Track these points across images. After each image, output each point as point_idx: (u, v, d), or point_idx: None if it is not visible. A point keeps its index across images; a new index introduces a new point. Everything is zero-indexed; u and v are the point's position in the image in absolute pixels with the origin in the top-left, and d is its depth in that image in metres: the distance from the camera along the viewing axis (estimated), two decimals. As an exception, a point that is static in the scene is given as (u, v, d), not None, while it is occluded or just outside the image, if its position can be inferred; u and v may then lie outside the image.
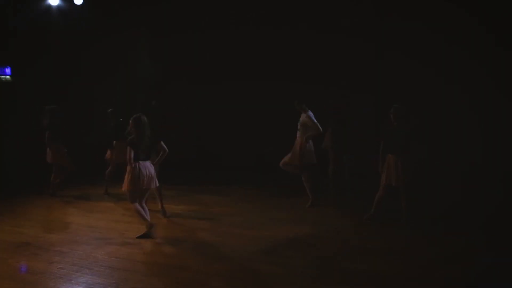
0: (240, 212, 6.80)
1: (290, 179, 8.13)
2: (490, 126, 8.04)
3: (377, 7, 8.96)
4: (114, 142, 7.60)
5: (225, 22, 9.73)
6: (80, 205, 7.33)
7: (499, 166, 7.79)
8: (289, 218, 6.41)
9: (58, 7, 9.28)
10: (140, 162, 5.44)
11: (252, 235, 5.68)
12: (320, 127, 6.59)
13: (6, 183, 8.37)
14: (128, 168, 5.46)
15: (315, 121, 6.59)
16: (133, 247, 5.30)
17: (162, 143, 5.66)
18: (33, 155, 9.09)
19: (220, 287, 4.25)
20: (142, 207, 5.60)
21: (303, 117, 6.70)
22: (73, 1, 9.15)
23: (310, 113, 6.68)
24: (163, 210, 6.53)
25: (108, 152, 7.79)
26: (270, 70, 9.27)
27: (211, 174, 9.41)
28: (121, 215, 6.26)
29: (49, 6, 9.22)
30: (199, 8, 9.82)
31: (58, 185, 7.79)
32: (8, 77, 9.28)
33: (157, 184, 5.73)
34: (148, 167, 5.51)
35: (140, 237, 5.52)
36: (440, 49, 8.32)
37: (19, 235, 5.73)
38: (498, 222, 5.97)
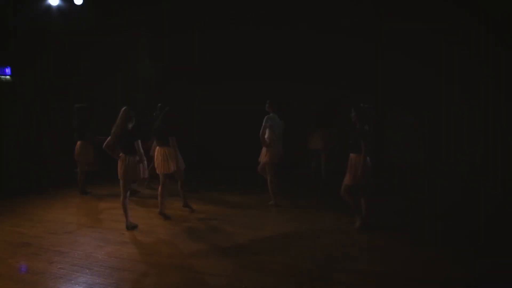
0: (240, 212, 6.80)
1: (290, 180, 8.15)
2: (490, 126, 8.05)
3: (377, 7, 8.97)
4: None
5: (225, 22, 9.73)
6: (80, 205, 7.34)
7: (499, 166, 7.80)
8: (289, 218, 6.41)
9: (58, 7, 9.28)
10: (123, 154, 5.81)
11: (252, 235, 5.68)
12: (262, 131, 6.75)
13: (6, 183, 8.37)
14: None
15: (263, 124, 6.74)
16: (133, 247, 5.30)
17: (138, 143, 5.80)
18: (33, 155, 9.10)
19: (220, 287, 4.26)
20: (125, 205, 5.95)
21: None
22: (73, 1, 9.15)
23: (270, 115, 6.81)
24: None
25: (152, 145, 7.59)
26: (270, 70, 9.28)
27: (211, 174, 9.42)
28: (121, 215, 6.25)
29: (49, 6, 9.22)
30: (199, 8, 9.83)
31: (82, 181, 7.90)
32: (8, 77, 9.27)
33: (145, 176, 5.97)
34: (132, 160, 5.79)
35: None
36: (440, 49, 8.33)
37: (19, 235, 5.73)
38: (498, 222, 5.97)
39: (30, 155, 9.06)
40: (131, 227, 5.95)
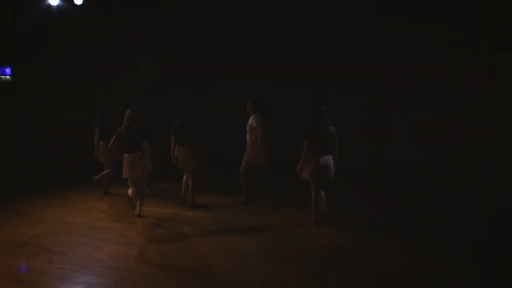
0: (240, 212, 6.80)
1: (289, 180, 8.13)
2: (490, 126, 8.04)
3: (377, 7, 8.96)
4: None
5: (225, 22, 9.73)
6: (80, 205, 7.33)
7: (499, 166, 7.79)
8: (289, 218, 6.41)
9: (58, 7, 9.28)
10: (126, 154, 6.16)
11: (252, 235, 5.68)
12: (260, 131, 6.74)
13: (6, 183, 8.37)
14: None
15: (259, 124, 6.75)
16: (133, 247, 5.30)
17: (145, 144, 6.13)
18: (33, 155, 9.11)
19: (220, 287, 4.26)
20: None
21: (251, 119, 6.88)
22: (73, 1, 9.15)
23: (257, 115, 6.83)
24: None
25: None
26: (270, 70, 9.27)
27: (211, 174, 9.40)
28: (121, 215, 6.27)
29: (49, 6, 9.22)
30: (199, 8, 9.83)
31: (106, 181, 7.79)
32: (8, 77, 9.28)
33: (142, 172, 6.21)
34: (136, 158, 6.13)
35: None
36: (440, 49, 8.32)
37: (19, 235, 5.73)
38: (498, 222, 5.97)
39: (30, 155, 9.07)
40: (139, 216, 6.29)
